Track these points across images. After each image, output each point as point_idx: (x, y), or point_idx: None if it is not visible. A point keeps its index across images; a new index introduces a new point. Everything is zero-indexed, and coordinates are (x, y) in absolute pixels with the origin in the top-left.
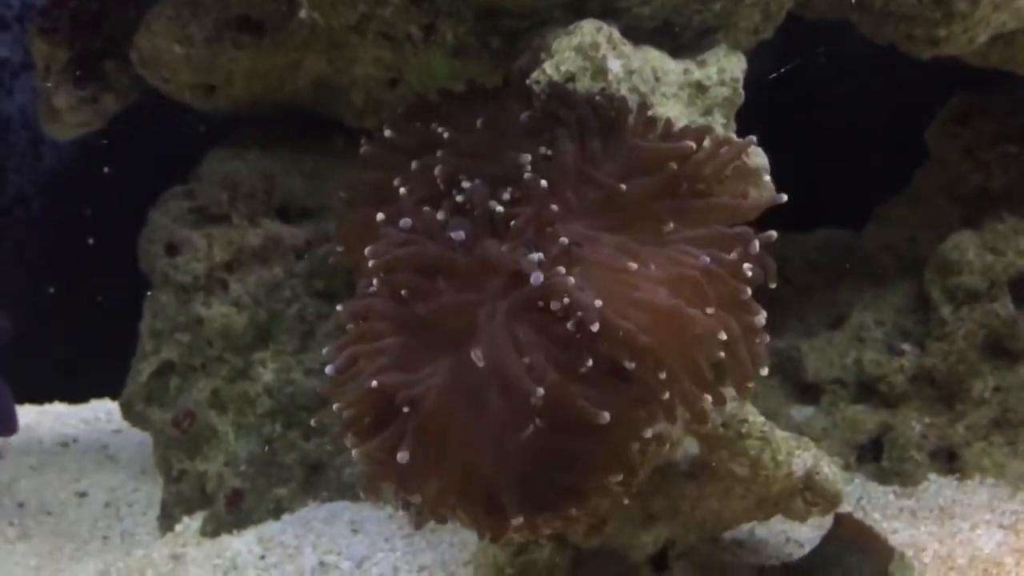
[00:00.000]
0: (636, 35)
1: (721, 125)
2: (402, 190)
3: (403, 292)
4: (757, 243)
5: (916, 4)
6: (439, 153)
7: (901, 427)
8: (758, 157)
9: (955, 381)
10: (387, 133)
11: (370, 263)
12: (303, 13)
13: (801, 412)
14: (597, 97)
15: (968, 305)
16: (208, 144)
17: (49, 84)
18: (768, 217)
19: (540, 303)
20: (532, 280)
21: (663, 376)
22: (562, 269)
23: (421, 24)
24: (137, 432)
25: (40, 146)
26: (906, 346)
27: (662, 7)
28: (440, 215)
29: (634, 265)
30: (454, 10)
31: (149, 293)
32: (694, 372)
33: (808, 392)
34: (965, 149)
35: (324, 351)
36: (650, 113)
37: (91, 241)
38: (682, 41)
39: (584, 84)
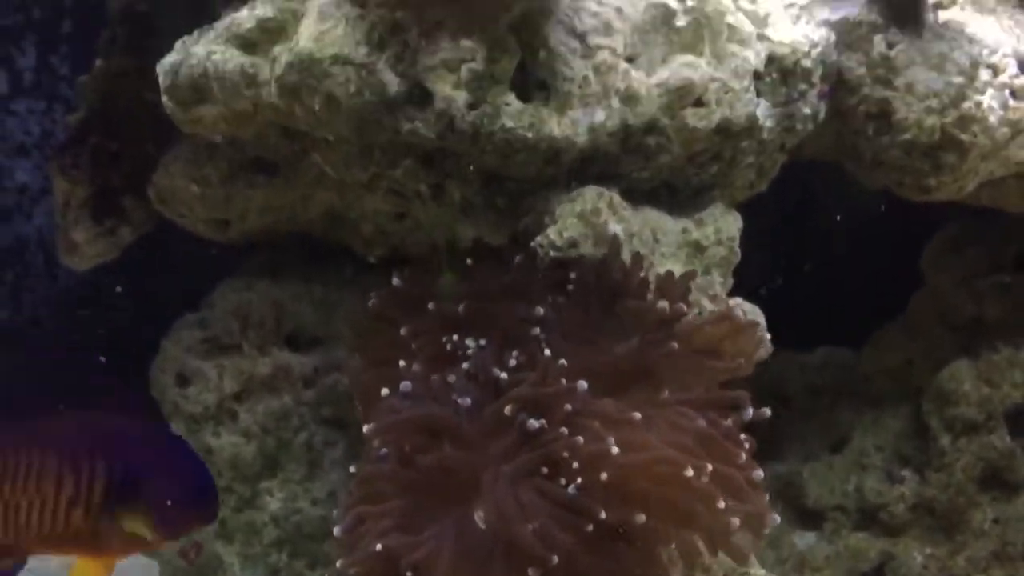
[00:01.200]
0: (636, 195)
1: (719, 284)
2: (402, 362)
3: (407, 451)
4: (751, 411)
5: (906, 157)
6: (445, 310)
7: (903, 556)
8: (753, 313)
9: (955, 512)
10: (395, 282)
11: (372, 429)
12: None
13: (803, 539)
14: (599, 262)
15: (966, 436)
16: (220, 264)
17: (68, 219)
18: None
19: (544, 467)
20: (535, 445)
21: (668, 538)
22: (564, 431)
23: (430, 184)
24: (144, 558)
25: (56, 268)
26: (906, 472)
27: (660, 172)
28: (446, 378)
29: (637, 415)
30: (462, 173)
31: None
32: (701, 531)
33: (809, 518)
34: (959, 278)
35: (334, 514)
36: (648, 274)
37: (103, 360)
38: (680, 198)
39: (586, 249)
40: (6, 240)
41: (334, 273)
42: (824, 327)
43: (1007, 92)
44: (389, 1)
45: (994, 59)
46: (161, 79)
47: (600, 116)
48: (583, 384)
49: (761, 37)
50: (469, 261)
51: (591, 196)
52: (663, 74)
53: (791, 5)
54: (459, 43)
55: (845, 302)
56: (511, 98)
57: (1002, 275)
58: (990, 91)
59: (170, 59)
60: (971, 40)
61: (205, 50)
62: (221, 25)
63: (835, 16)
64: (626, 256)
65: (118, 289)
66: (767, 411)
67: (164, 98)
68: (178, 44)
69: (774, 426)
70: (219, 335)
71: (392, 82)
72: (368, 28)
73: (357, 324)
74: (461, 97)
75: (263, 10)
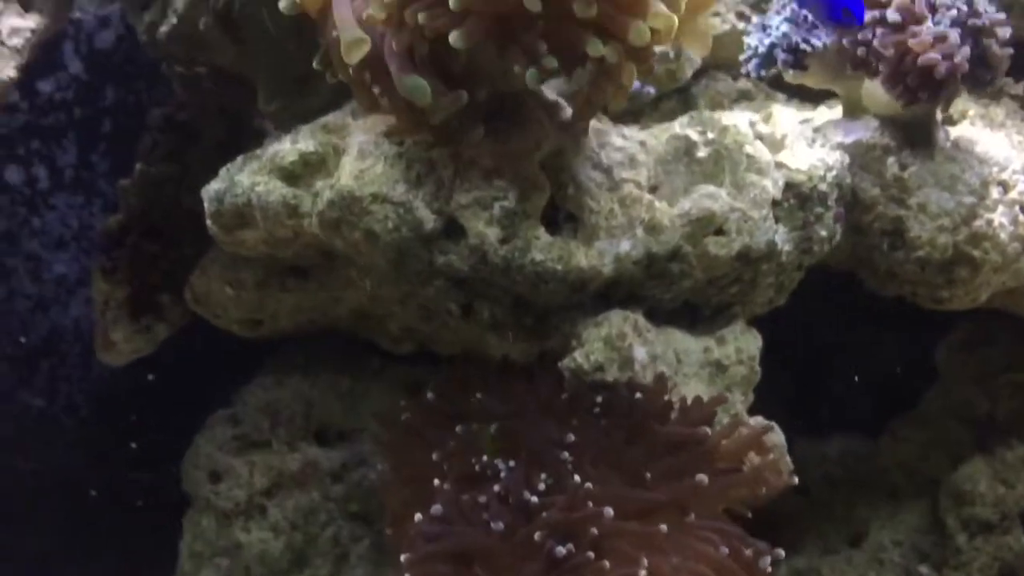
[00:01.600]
0: (659, 315)
1: (740, 403)
2: (436, 481)
3: None
4: (768, 559)
5: (920, 272)
6: (475, 428)
7: None
8: (776, 435)
9: None
10: (429, 395)
11: (407, 561)
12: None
13: None
14: (624, 385)
15: (982, 536)
16: (250, 355)
17: (107, 319)
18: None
19: None
20: (563, 570)
21: None
22: (591, 555)
23: (460, 303)
24: None
25: (91, 357)
26: (924, 568)
27: (682, 293)
28: (477, 499)
29: (663, 527)
30: (491, 295)
31: (189, 511)
32: None
33: None
34: (973, 376)
35: None
36: (671, 396)
37: (135, 446)
38: (701, 316)
39: (612, 373)
40: (43, 330)
41: (361, 366)
42: (841, 412)
43: (1017, 208)
44: (426, 140)
45: (1004, 176)
46: (207, 205)
47: (625, 246)
48: (609, 511)
49: (779, 165)
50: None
51: (616, 320)
52: (685, 204)
53: (806, 121)
54: (492, 182)
55: (861, 388)
56: (541, 232)
57: (1015, 374)
58: (1000, 208)
59: (215, 186)
60: (981, 160)
61: (250, 180)
62: (265, 155)
63: (849, 139)
64: (649, 379)
65: (150, 377)
66: (781, 552)
67: (208, 222)
68: (223, 171)
69: (792, 517)
70: (249, 432)
71: (428, 219)
72: (406, 166)
73: (390, 440)
74: (493, 233)
75: (305, 144)
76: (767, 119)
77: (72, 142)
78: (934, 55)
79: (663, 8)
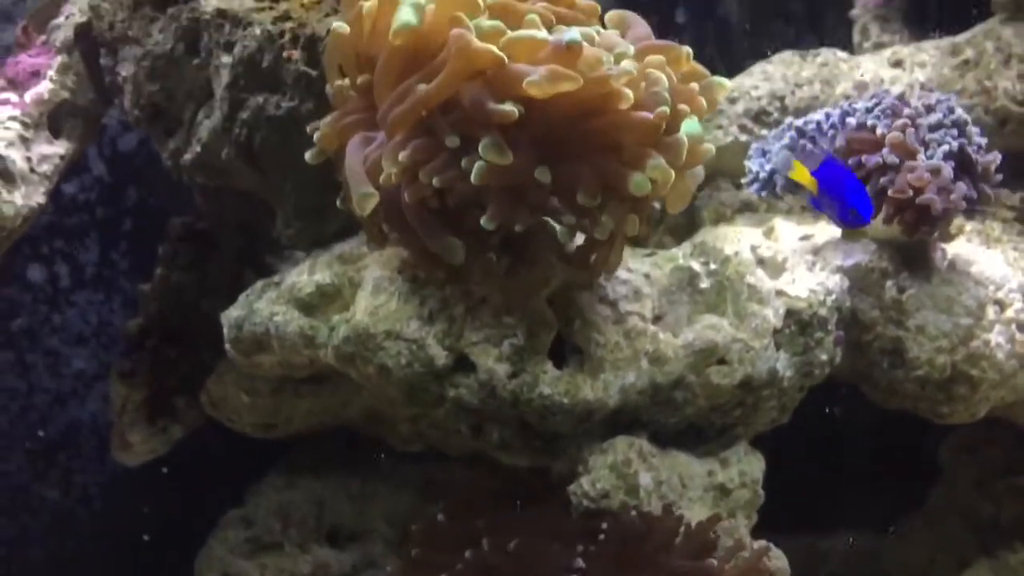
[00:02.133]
0: (663, 438)
1: (743, 526)
2: None
3: None
4: None
5: (920, 389)
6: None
7: None
8: (778, 560)
9: None
10: (439, 517)
11: None
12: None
13: None
14: (631, 513)
15: None
16: (261, 449)
17: (124, 421)
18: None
19: None
20: None
21: None
22: None
23: (470, 424)
24: None
25: (106, 451)
26: None
27: (686, 418)
28: None
29: None
30: (500, 419)
31: None
32: None
33: None
34: (974, 478)
35: None
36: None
37: (147, 539)
38: (705, 436)
39: (618, 499)
40: (61, 424)
41: (371, 465)
42: (847, 507)
43: (1013, 327)
44: (439, 278)
45: (1000, 295)
46: (226, 330)
47: (631, 378)
48: None
49: (779, 293)
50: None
51: (622, 447)
52: (689, 335)
53: (807, 238)
54: (502, 319)
55: (867, 483)
56: (548, 366)
57: (1017, 477)
58: (997, 328)
59: (235, 313)
60: (977, 281)
61: (268, 310)
62: (284, 285)
63: (848, 262)
64: (655, 504)
65: (164, 471)
66: None
67: (227, 346)
68: (242, 298)
69: None
70: (261, 534)
71: (440, 355)
72: (419, 303)
73: (401, 567)
74: (503, 369)
75: (322, 276)
76: (769, 233)
77: (94, 241)
78: (931, 195)
79: (662, 161)
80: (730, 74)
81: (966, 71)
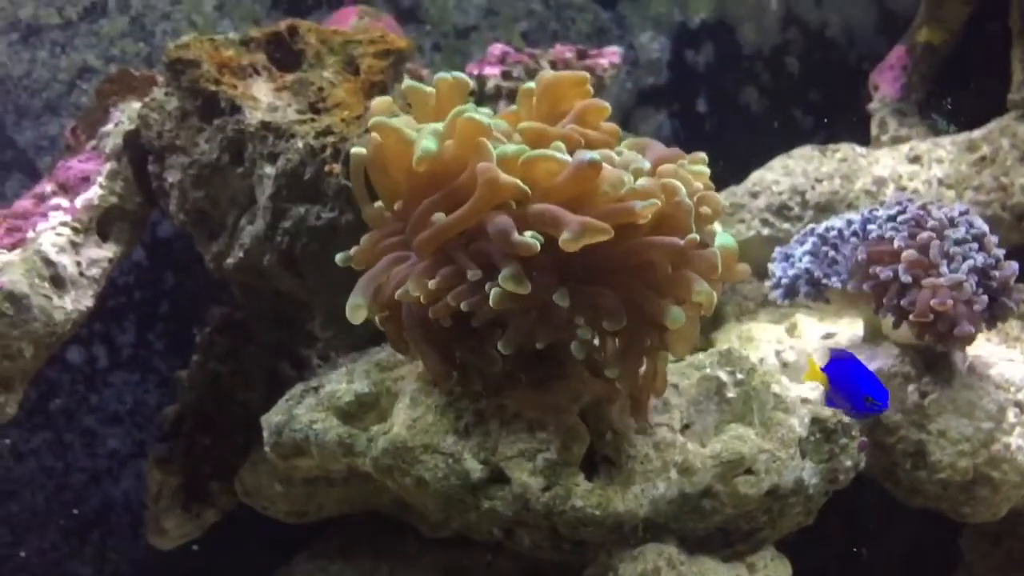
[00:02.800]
0: (691, 542)
1: None
2: None
3: None
4: None
5: (942, 491)
6: None
7: None
8: None
9: None
10: None
11: None
12: None
13: None
14: None
15: None
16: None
17: (159, 507)
18: None
19: None
20: None
21: None
22: None
23: (502, 528)
24: None
25: (138, 528)
26: None
27: (714, 524)
28: None
29: None
30: (532, 525)
31: None
32: None
33: None
34: (997, 566)
35: None
36: None
37: None
38: (732, 539)
39: None
40: (95, 502)
41: (400, 549)
42: None
43: None
44: (474, 392)
45: (1020, 396)
46: (266, 435)
47: (660, 488)
48: None
49: (804, 400)
50: None
51: (651, 556)
52: (716, 446)
53: (829, 336)
54: (536, 434)
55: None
56: (580, 479)
57: None
58: (1018, 430)
59: (275, 419)
60: (997, 384)
61: (308, 417)
62: (323, 392)
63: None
64: None
65: (195, 548)
66: None
67: (267, 449)
68: (282, 403)
69: None
70: None
71: (475, 469)
72: (455, 417)
73: None
74: (536, 482)
75: (360, 385)
76: (792, 330)
77: (131, 323)
78: (958, 309)
79: (706, 287)
80: (750, 161)
81: (983, 167)
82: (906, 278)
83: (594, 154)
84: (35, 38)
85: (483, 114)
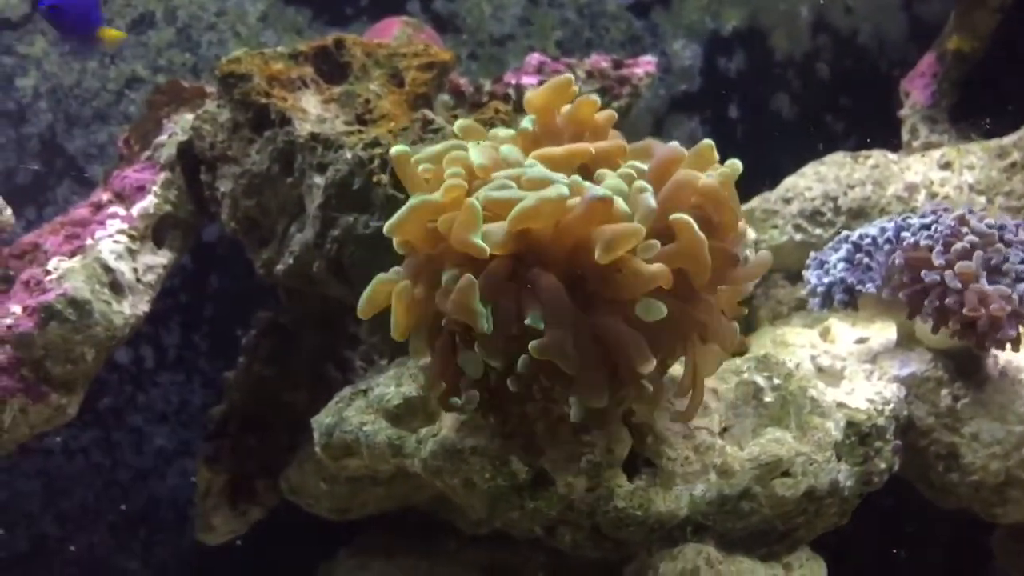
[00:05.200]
0: (729, 542)
1: None
2: None
3: None
4: None
5: (974, 493)
6: None
7: None
8: None
9: None
10: None
11: None
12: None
13: None
14: None
15: None
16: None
17: (208, 505)
18: None
19: None
20: None
21: None
22: None
23: (544, 527)
24: None
25: (183, 523)
26: None
27: (752, 525)
28: None
29: None
30: (575, 523)
31: None
32: None
33: None
34: None
35: None
36: None
37: None
38: (769, 540)
39: None
40: (142, 498)
41: (439, 548)
42: None
43: None
44: (521, 395)
45: None
46: (316, 435)
47: (700, 489)
48: None
49: (840, 405)
50: None
51: (691, 555)
52: (754, 449)
53: (862, 341)
54: (580, 437)
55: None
56: (623, 480)
57: None
58: None
59: (326, 420)
60: None
61: (358, 419)
62: (372, 395)
63: (904, 372)
64: None
65: (238, 543)
66: None
67: (318, 449)
68: (332, 405)
69: None
70: None
71: (521, 471)
72: (502, 421)
73: None
74: (580, 483)
75: (408, 388)
76: (825, 334)
77: (177, 324)
78: (1004, 311)
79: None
80: (782, 167)
81: (1013, 173)
82: (954, 284)
83: (605, 191)
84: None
85: (505, 139)
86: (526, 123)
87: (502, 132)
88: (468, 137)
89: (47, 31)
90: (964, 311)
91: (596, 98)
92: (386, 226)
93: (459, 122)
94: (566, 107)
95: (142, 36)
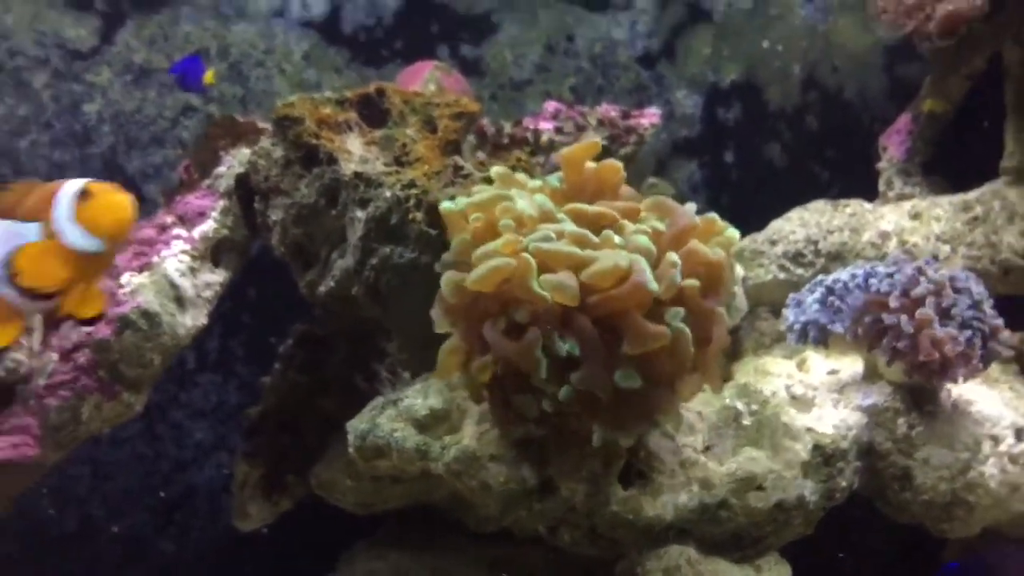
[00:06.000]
0: (707, 545)
1: None
2: None
3: None
4: None
5: (925, 510)
6: None
7: None
8: None
9: None
10: None
11: None
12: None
13: None
14: None
15: None
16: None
17: (244, 495)
18: None
19: None
20: None
21: None
22: None
23: (547, 526)
24: None
25: (218, 511)
26: None
27: (727, 531)
28: None
29: None
30: (574, 524)
31: None
32: None
33: None
34: None
35: None
36: None
37: None
38: (743, 544)
39: None
40: (181, 487)
41: (449, 543)
42: None
43: (1006, 459)
44: (531, 420)
45: (995, 431)
46: (351, 438)
47: (684, 499)
48: None
49: (808, 429)
50: None
51: (674, 555)
52: (732, 466)
53: (834, 372)
54: (584, 449)
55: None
56: (618, 488)
57: None
58: (991, 460)
59: (361, 426)
60: (975, 420)
61: (389, 426)
62: (402, 406)
63: (867, 402)
64: None
65: (264, 530)
66: None
67: (351, 450)
68: (366, 412)
69: None
70: None
71: (531, 477)
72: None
73: None
74: (581, 490)
75: (434, 401)
76: (802, 364)
77: (217, 331)
78: (955, 352)
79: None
80: (771, 210)
81: (975, 226)
82: (907, 328)
83: (655, 283)
84: (145, 79)
85: (535, 189)
86: (553, 180)
87: (530, 183)
88: (504, 184)
89: (112, 63)
90: (920, 357)
91: (620, 165)
92: (470, 282)
93: (495, 169)
94: (591, 164)
95: None
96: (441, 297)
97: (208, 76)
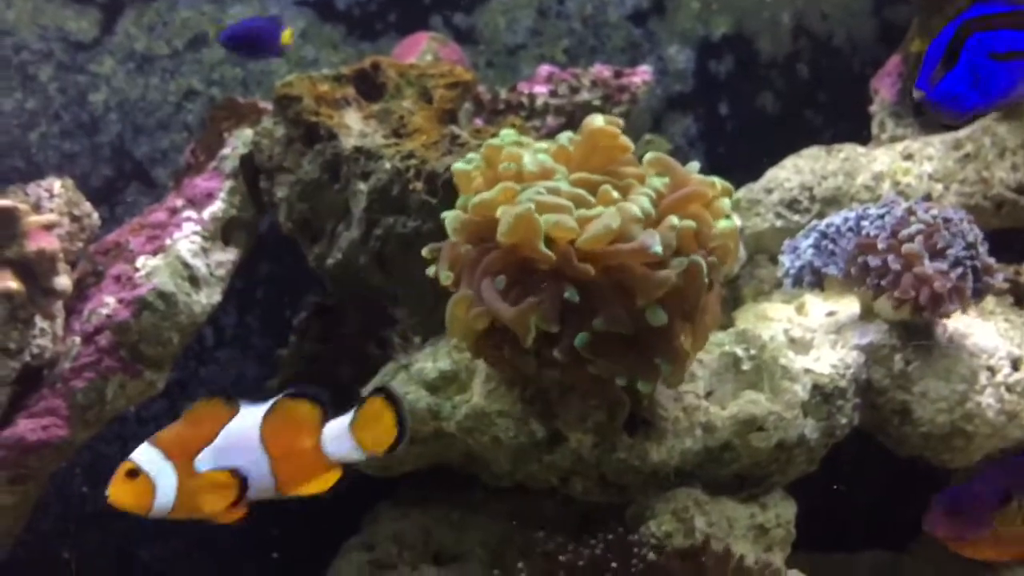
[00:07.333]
0: (713, 486)
1: (779, 558)
2: None
3: None
4: None
5: (924, 442)
6: None
7: None
8: None
9: None
10: None
11: None
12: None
13: None
14: (687, 552)
15: None
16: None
17: None
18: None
19: None
20: None
21: None
22: None
23: (559, 476)
24: None
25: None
26: None
27: (732, 472)
28: None
29: None
30: (584, 473)
31: None
32: None
33: None
34: None
35: None
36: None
37: (276, 556)
38: (748, 484)
39: (678, 540)
40: None
41: (468, 498)
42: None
43: (1003, 388)
44: (535, 376)
45: (991, 362)
46: None
47: (688, 443)
48: None
49: (807, 371)
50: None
51: (682, 496)
52: (733, 409)
53: (832, 313)
54: (587, 401)
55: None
56: (624, 436)
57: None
58: (988, 390)
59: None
60: (971, 352)
61: (402, 389)
62: (413, 369)
63: (864, 341)
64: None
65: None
66: None
67: None
68: (378, 377)
69: None
70: (381, 557)
71: (539, 430)
72: (522, 389)
73: None
74: (588, 440)
75: (443, 363)
76: (800, 309)
77: (233, 307)
78: (945, 287)
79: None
80: (766, 159)
81: (967, 163)
82: (895, 265)
83: (659, 246)
84: (148, 66)
85: (541, 150)
86: (563, 140)
87: (537, 143)
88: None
89: (114, 52)
90: (896, 293)
91: (631, 145)
92: (500, 235)
93: (504, 131)
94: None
95: (197, 54)
96: (444, 248)
97: (286, 36)
